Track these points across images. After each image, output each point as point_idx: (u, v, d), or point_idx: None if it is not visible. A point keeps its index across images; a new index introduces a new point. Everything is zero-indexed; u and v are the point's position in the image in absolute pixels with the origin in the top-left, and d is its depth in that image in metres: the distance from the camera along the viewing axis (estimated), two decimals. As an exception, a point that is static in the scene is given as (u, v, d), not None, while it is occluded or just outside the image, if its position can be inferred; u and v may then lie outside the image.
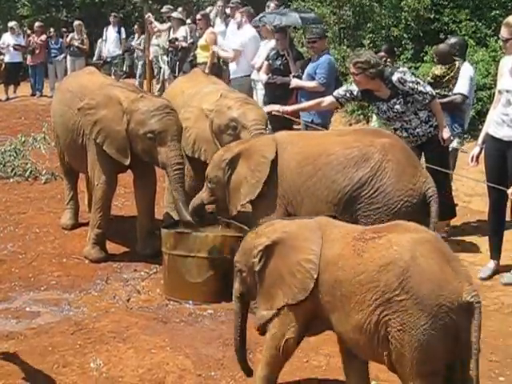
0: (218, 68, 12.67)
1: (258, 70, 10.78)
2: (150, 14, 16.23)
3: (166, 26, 15.88)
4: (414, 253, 3.71)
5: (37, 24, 19.35)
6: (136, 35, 18.63)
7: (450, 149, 7.39)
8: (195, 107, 7.01)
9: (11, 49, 18.40)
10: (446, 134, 6.80)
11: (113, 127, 6.89)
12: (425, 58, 12.24)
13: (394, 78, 6.43)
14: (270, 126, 9.77)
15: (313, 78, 9.10)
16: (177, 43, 14.54)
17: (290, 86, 9.55)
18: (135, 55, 18.73)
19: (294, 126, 9.27)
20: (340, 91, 6.86)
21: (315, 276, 3.97)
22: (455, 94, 7.63)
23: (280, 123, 8.42)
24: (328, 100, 6.95)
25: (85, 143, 7.25)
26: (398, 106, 6.58)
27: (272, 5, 14.32)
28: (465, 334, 3.67)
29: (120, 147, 6.88)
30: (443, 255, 3.76)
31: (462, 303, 3.64)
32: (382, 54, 8.78)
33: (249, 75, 11.32)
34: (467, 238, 7.64)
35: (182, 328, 5.58)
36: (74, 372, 5.09)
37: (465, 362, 3.69)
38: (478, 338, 3.64)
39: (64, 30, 19.94)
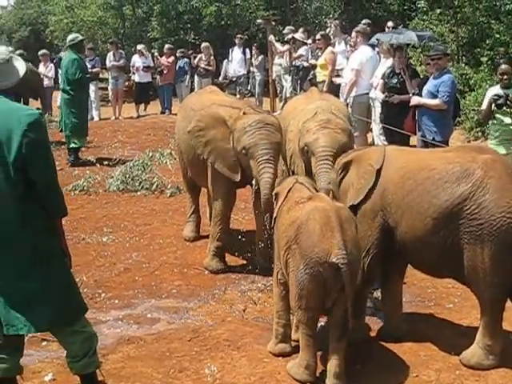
0: (338, 86, 12.74)
1: (376, 88, 10.83)
2: (272, 36, 16.53)
3: (286, 46, 16.14)
4: (309, 217, 4.95)
5: (166, 46, 19.93)
6: (254, 55, 18.95)
7: None
8: (298, 122, 7.06)
9: (140, 70, 19.11)
10: None
11: (222, 146, 7.09)
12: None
13: None
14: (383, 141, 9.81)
15: (434, 96, 9.07)
16: (301, 59, 14.78)
17: (410, 104, 9.54)
18: (253, 75, 19.07)
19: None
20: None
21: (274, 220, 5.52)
22: None
23: (397, 138, 8.45)
24: None
25: (205, 159, 7.44)
26: None
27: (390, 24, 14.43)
28: (334, 286, 4.83)
29: (230, 165, 7.07)
30: (330, 223, 4.86)
31: (328, 262, 4.77)
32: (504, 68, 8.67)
33: (367, 93, 11.36)
34: None
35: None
36: (189, 377, 5.26)
37: (335, 310, 4.91)
38: (348, 291, 4.77)
39: (191, 51, 20.45)
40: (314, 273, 4.84)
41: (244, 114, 6.99)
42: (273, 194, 5.79)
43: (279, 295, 5.48)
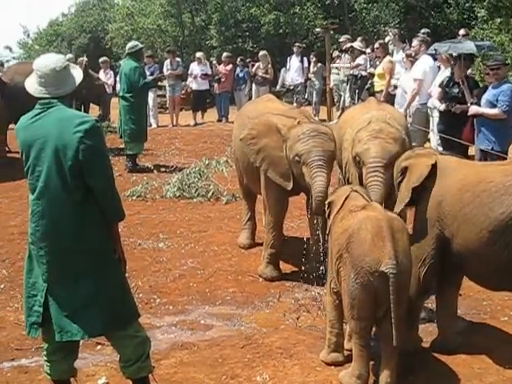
0: (393, 96, 12.67)
1: (433, 96, 10.74)
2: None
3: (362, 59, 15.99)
4: (361, 225, 4.95)
5: (225, 54, 20.08)
6: (312, 64, 18.95)
7: None
8: (353, 130, 6.97)
9: (198, 77, 19.28)
10: None
11: (275, 154, 7.10)
12: None
13: None
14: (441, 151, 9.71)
15: (493, 105, 8.98)
16: (359, 68, 14.75)
17: (469, 114, 9.44)
18: (311, 83, 19.06)
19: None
20: None
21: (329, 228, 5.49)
22: None
23: (455, 149, 8.35)
24: None
25: (258, 167, 7.46)
26: None
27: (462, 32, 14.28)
28: (384, 296, 4.73)
29: (283, 173, 7.07)
30: (381, 232, 4.84)
31: (378, 271, 4.75)
32: None
33: (426, 103, 11.26)
34: None
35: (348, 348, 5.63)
36: (241, 384, 5.30)
37: (386, 319, 4.80)
38: (394, 300, 4.68)
39: (249, 59, 20.54)
40: (365, 282, 4.84)
41: (298, 123, 7.01)
42: (327, 202, 5.76)
43: (332, 304, 5.48)
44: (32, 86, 4.45)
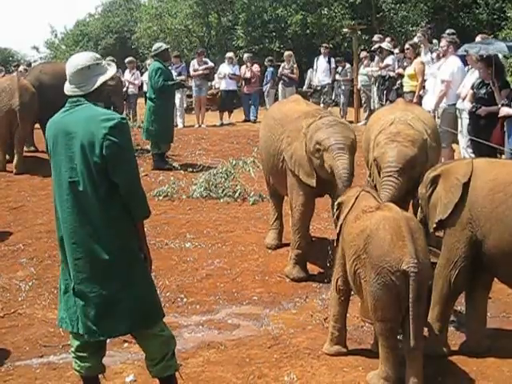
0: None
1: (464, 98, 10.64)
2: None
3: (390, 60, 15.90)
4: (378, 226, 4.92)
5: (246, 55, 20.14)
6: (340, 65, 18.89)
7: None
8: (377, 132, 6.97)
9: (227, 77, 19.29)
10: None
11: (300, 154, 7.12)
12: None
13: None
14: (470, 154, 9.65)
15: (524, 106, 8.89)
16: (387, 69, 14.69)
17: (499, 115, 9.32)
18: (338, 84, 19.01)
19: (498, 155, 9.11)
20: None
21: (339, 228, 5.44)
22: None
23: (483, 151, 8.27)
24: None
25: (284, 168, 7.50)
26: None
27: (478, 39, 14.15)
28: (405, 295, 4.71)
29: (307, 170, 7.08)
30: (400, 232, 4.84)
31: (400, 270, 4.74)
32: None
33: (455, 104, 11.16)
34: None
35: (375, 349, 5.60)
36: (269, 384, 5.28)
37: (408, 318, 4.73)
38: (414, 299, 4.68)
39: (276, 60, 20.51)
40: (387, 282, 4.83)
41: (319, 118, 7.06)
42: (336, 203, 5.73)
43: (336, 300, 5.58)
44: (66, 84, 4.53)
